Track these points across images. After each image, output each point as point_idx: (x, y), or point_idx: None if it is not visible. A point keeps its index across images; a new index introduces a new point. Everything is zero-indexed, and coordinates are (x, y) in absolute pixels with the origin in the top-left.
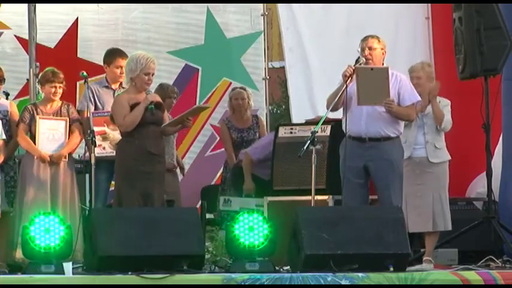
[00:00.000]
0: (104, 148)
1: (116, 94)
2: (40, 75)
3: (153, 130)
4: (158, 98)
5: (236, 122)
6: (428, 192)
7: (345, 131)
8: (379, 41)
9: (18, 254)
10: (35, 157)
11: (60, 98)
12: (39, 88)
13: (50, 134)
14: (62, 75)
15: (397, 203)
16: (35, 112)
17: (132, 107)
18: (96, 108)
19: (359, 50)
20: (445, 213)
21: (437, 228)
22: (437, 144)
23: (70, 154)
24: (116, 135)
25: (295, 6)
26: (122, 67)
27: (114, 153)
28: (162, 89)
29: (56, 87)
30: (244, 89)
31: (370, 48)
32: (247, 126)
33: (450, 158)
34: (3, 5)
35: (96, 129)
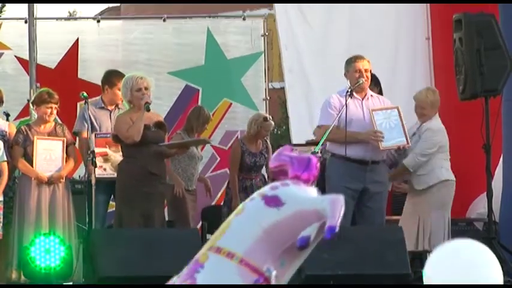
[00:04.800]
0: (104, 169)
1: (112, 115)
2: (34, 95)
3: (154, 150)
4: (160, 118)
5: (250, 146)
6: (415, 213)
7: (344, 152)
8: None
9: (15, 274)
10: (33, 178)
11: (60, 118)
12: (33, 109)
13: (47, 155)
14: (57, 96)
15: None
16: (28, 133)
17: None
18: (93, 129)
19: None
20: (434, 233)
21: (418, 247)
22: (418, 172)
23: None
24: (117, 157)
25: (295, 25)
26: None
27: (115, 175)
28: (197, 113)
29: (51, 108)
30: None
31: (366, 71)
32: (259, 151)
33: (443, 178)
34: (3, 25)
35: (97, 150)
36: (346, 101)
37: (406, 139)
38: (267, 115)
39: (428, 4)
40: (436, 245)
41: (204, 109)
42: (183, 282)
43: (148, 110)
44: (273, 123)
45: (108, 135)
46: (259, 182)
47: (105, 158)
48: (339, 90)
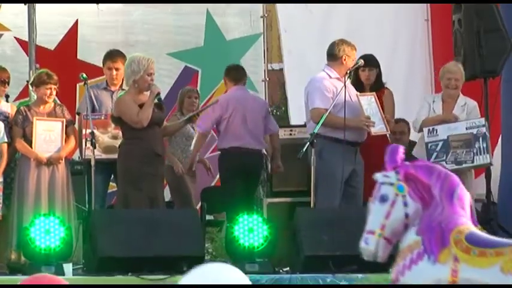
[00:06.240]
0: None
1: (114, 96)
2: (34, 76)
3: (158, 131)
4: (159, 89)
5: None
6: None
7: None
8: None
9: (15, 255)
10: (32, 159)
11: (60, 100)
12: (33, 90)
13: (47, 135)
14: (56, 77)
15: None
16: (28, 113)
17: (139, 107)
18: (93, 109)
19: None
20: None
21: None
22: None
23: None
24: (104, 138)
25: (294, 8)
26: (111, 69)
27: (102, 156)
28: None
29: (50, 88)
30: None
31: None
32: None
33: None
34: (2, 6)
35: (85, 131)
36: (345, 81)
37: (386, 126)
38: None
39: None
40: None
41: (184, 88)
42: None
43: (160, 101)
44: None
45: (96, 117)
46: None
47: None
48: (325, 71)
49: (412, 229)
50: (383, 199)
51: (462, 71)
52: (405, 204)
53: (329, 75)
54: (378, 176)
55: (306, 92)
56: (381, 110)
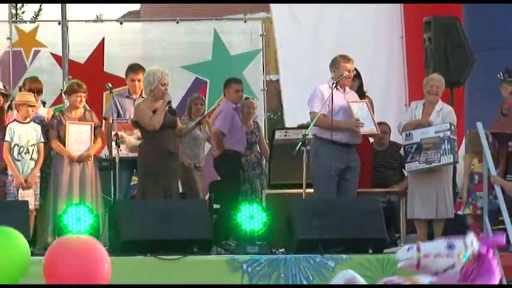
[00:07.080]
0: (120, 150)
1: (135, 103)
2: (66, 86)
3: (171, 133)
4: (170, 98)
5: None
6: (433, 186)
7: (330, 137)
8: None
9: (50, 239)
10: (65, 157)
11: (89, 106)
12: (65, 98)
13: (78, 137)
14: (85, 86)
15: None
16: (62, 118)
17: (153, 112)
18: (118, 114)
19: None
20: (446, 202)
21: (440, 215)
22: None
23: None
24: (131, 139)
25: (289, 25)
26: (134, 80)
27: (129, 154)
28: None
29: (81, 96)
30: (254, 100)
31: (350, 71)
32: (250, 130)
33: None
34: (40, 27)
35: (114, 133)
36: (332, 91)
37: (376, 127)
38: (250, 97)
39: (402, 6)
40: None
41: (191, 96)
42: None
43: (171, 108)
44: (254, 101)
45: (124, 121)
46: (254, 158)
47: (121, 140)
48: (328, 82)
49: (429, 276)
50: (449, 247)
51: (443, 81)
52: (453, 267)
53: (329, 85)
54: (470, 238)
55: (308, 99)
56: (372, 113)
